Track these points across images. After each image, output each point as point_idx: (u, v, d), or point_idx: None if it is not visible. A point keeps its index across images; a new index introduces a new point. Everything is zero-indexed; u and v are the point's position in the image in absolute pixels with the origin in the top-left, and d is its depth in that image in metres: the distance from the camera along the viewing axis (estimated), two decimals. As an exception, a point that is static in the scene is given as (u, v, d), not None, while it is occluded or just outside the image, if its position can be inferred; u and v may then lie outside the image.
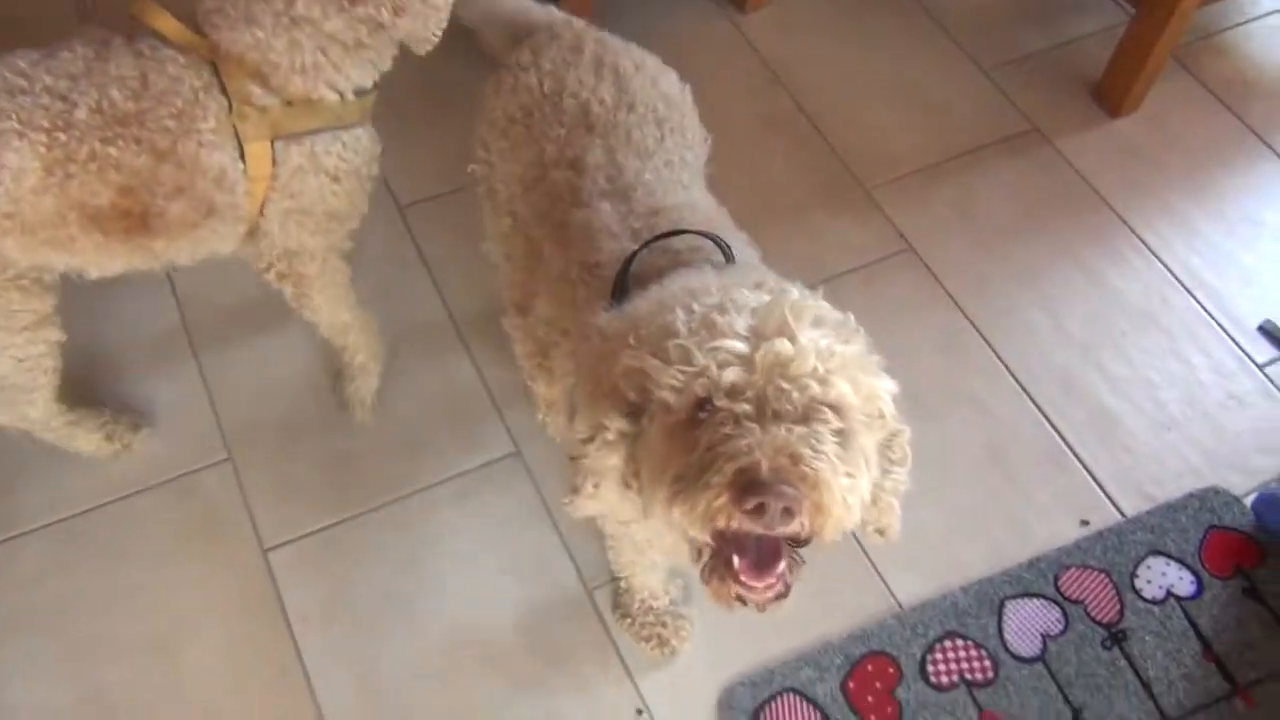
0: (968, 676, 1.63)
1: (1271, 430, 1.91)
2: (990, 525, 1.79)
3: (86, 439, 1.72)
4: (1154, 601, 1.70)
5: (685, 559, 1.06)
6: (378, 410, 1.84)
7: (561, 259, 1.32)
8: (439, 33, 1.41)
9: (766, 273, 1.16)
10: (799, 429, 0.89)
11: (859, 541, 1.72)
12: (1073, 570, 1.73)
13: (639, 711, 1.61)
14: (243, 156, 1.38)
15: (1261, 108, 2.34)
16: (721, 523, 0.89)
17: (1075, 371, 1.96)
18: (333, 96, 1.40)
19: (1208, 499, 1.81)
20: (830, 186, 2.18)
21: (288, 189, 1.43)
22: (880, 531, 1.09)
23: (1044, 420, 1.90)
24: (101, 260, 1.41)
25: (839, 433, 0.92)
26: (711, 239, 1.23)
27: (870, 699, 1.61)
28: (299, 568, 1.71)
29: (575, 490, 1.06)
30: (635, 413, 0.99)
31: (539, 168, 1.39)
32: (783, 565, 0.98)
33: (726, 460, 0.88)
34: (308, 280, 1.59)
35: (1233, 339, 2.01)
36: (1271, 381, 1.96)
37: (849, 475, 0.92)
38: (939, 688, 1.62)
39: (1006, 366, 1.96)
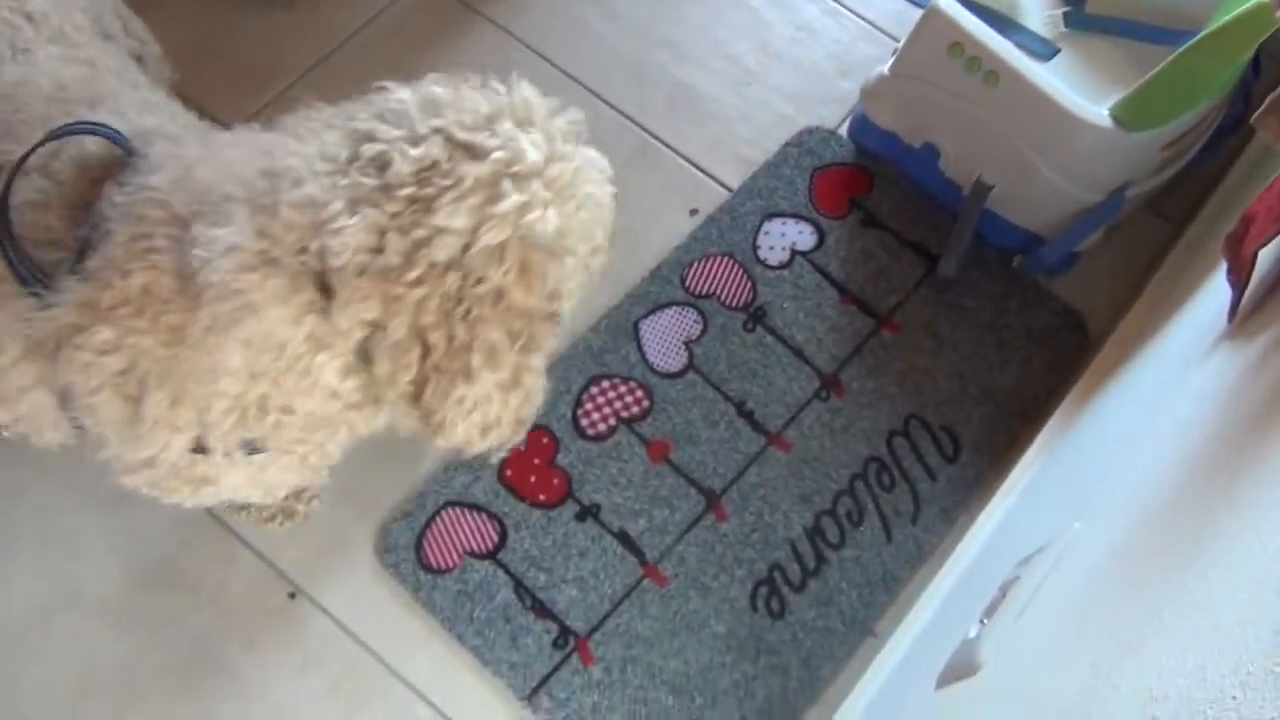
0: (624, 415, 1.49)
1: (844, 51, 1.81)
2: (602, 249, 1.61)
3: None
4: (781, 266, 1.61)
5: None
6: None
7: None
8: None
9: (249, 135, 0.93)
10: None
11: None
12: (695, 265, 1.60)
13: (291, 595, 1.39)
14: None
15: None
16: None
17: (641, 55, 1.77)
18: None
19: (804, 142, 1.70)
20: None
21: None
22: None
23: (624, 118, 1.71)
24: None
25: None
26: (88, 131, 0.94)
27: (533, 478, 1.46)
28: None
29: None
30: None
31: None
32: None
33: None
34: None
35: (781, -33, 1.86)
36: (832, -1, 1.85)
37: None
38: (599, 438, 1.48)
39: (568, 74, 1.74)
